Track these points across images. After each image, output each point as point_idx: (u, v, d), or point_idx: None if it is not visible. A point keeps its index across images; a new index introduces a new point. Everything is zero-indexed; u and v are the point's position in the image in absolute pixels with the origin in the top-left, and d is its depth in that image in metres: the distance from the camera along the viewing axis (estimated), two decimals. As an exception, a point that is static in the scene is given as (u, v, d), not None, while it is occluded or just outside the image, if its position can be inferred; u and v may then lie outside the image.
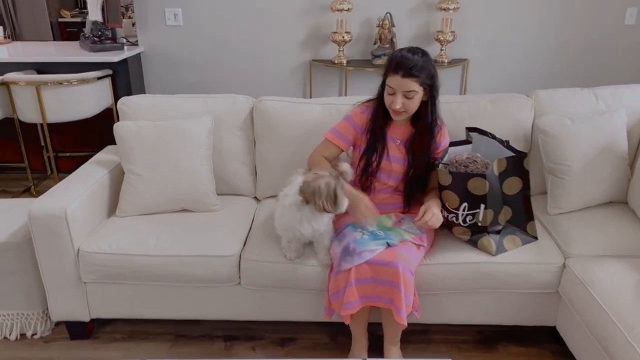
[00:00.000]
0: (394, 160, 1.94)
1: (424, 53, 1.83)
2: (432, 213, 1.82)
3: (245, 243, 2.00)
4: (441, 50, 3.50)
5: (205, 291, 1.99)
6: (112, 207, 2.18)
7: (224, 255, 1.91)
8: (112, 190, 2.19)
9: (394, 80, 1.80)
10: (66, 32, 5.98)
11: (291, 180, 1.84)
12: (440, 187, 1.88)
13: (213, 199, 2.18)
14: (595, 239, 1.94)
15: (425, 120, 1.91)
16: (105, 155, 2.35)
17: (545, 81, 3.67)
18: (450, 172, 1.82)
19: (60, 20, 6.02)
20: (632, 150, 2.22)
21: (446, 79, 3.70)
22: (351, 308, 1.73)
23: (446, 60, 3.49)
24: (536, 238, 1.97)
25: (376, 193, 1.99)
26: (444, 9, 3.37)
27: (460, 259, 1.89)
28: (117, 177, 2.22)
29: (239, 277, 1.95)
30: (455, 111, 2.23)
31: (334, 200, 1.68)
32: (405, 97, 1.81)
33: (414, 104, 1.84)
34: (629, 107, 2.21)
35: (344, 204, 1.71)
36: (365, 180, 1.97)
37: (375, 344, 1.98)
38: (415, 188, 1.97)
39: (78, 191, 1.98)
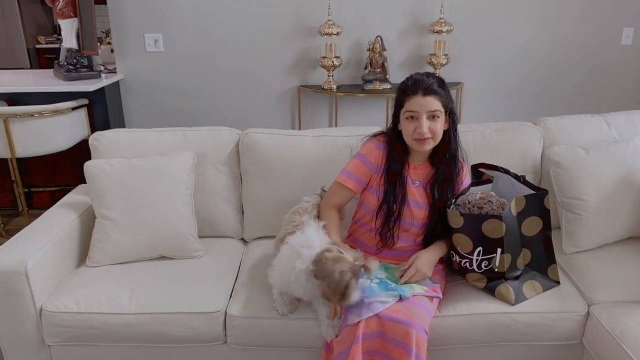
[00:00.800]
0: (414, 205, 1.74)
1: (437, 76, 1.69)
2: (416, 269, 1.64)
3: (231, 296, 1.78)
4: (435, 73, 3.35)
5: (187, 352, 1.76)
6: (83, 256, 1.96)
7: (208, 313, 1.69)
8: (82, 237, 1.97)
9: (415, 102, 1.62)
10: (44, 58, 5.77)
11: (299, 213, 1.73)
12: (451, 231, 1.69)
13: (195, 244, 1.97)
14: (620, 282, 1.76)
15: (449, 152, 1.72)
16: (75, 196, 2.13)
17: (542, 105, 3.55)
18: (461, 214, 1.64)
19: (37, 46, 5.82)
20: (650, 181, 2.06)
21: (441, 103, 3.55)
22: None
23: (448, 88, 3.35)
24: (559, 283, 1.78)
25: (397, 243, 1.78)
26: (438, 32, 3.24)
27: (473, 310, 1.69)
28: (89, 222, 2.00)
29: (225, 335, 1.73)
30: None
31: (342, 294, 1.47)
32: (430, 120, 1.63)
33: (440, 128, 1.66)
34: (643, 134, 2.07)
35: (353, 299, 1.50)
36: (387, 232, 1.75)
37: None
38: (436, 235, 1.77)
39: (41, 241, 1.75)
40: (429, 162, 1.76)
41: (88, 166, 1.93)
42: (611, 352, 1.58)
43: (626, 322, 1.58)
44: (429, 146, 1.67)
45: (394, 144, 1.73)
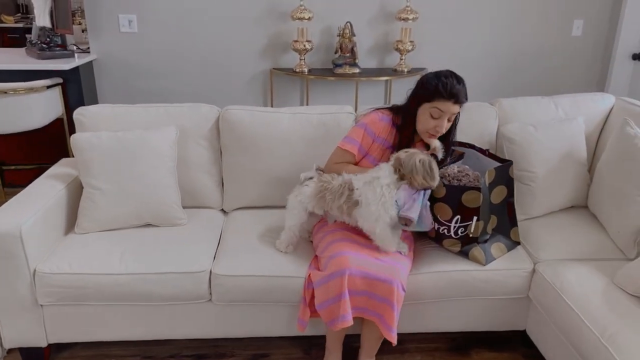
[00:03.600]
0: None
1: (463, 82, 1.86)
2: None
3: (215, 257, 1.93)
4: (400, 59, 3.54)
5: (173, 309, 1.90)
6: (70, 225, 2.06)
7: (194, 272, 1.83)
8: (69, 206, 2.06)
9: (446, 106, 1.81)
10: (8, 38, 5.66)
11: (302, 180, 1.89)
12: (432, 200, 1.88)
13: (179, 212, 2.09)
14: (562, 243, 1.99)
15: (450, 142, 1.95)
16: (60, 168, 2.21)
17: (501, 90, 3.78)
18: (444, 185, 1.82)
19: (0, 25, 5.70)
20: (590, 155, 2.30)
21: (405, 88, 3.69)
22: (347, 321, 1.68)
23: (405, 70, 3.54)
24: (519, 243, 2.01)
25: None
26: (403, 19, 3.41)
27: (433, 268, 1.89)
28: (75, 192, 2.09)
29: (210, 293, 1.87)
30: (423, 120, 2.24)
31: (431, 174, 1.70)
32: (447, 121, 1.85)
33: (449, 125, 1.89)
34: (586, 114, 2.30)
35: (438, 180, 1.74)
36: None
37: (349, 355, 1.95)
38: None
39: (33, 207, 1.85)
40: (421, 141, 1.95)
41: (75, 138, 2.01)
42: (552, 301, 1.80)
43: (565, 275, 1.81)
44: (435, 139, 1.87)
45: (407, 123, 1.91)
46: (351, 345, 1.96)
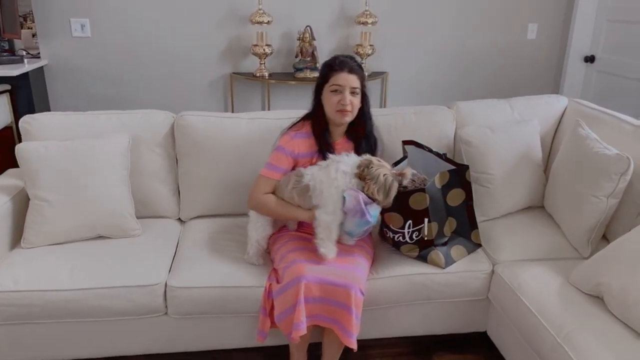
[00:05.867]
0: None
1: (356, 60, 1.91)
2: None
3: (170, 269, 1.87)
4: (361, 63, 3.53)
5: (129, 324, 1.83)
6: (16, 239, 1.96)
7: (148, 285, 1.77)
8: (15, 219, 1.97)
9: (341, 77, 1.82)
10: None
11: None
12: (382, 210, 1.87)
13: (132, 222, 2.02)
14: (520, 244, 2.02)
15: (364, 128, 1.94)
16: (6, 179, 2.11)
17: (459, 92, 3.84)
18: None
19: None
20: (545, 156, 2.34)
21: (367, 91, 3.75)
22: (302, 329, 1.65)
23: (366, 74, 3.54)
24: (480, 245, 2.02)
25: None
26: (363, 23, 3.42)
27: (394, 272, 1.88)
28: (21, 205, 2.00)
29: (166, 306, 1.81)
30: (380, 124, 2.22)
31: (386, 193, 1.68)
32: (351, 95, 1.84)
33: (358, 103, 1.87)
34: (541, 116, 2.34)
35: (390, 202, 1.72)
36: None
37: (313, 365, 1.92)
38: None
39: (-26, 223, 1.75)
40: (345, 136, 1.95)
41: (20, 148, 1.92)
42: (510, 302, 1.82)
43: (522, 276, 1.83)
44: (348, 118, 1.87)
45: (318, 120, 1.90)
46: (316, 354, 1.93)
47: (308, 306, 1.67)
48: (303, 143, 1.89)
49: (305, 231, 1.90)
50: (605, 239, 2.01)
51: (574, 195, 2.00)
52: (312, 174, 1.76)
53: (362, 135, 1.94)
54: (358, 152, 1.89)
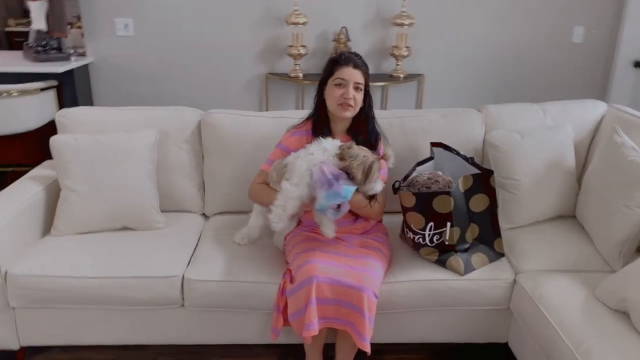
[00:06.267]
0: None
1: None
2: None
3: (189, 262, 1.90)
4: (396, 65, 3.51)
5: (147, 314, 1.88)
6: (48, 226, 2.05)
7: (166, 276, 1.81)
8: (47, 208, 2.06)
9: (346, 72, 1.83)
10: (15, 41, 5.74)
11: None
12: (404, 209, 1.85)
13: (156, 216, 2.07)
14: (546, 253, 1.94)
15: (366, 126, 1.92)
16: (42, 170, 2.22)
17: (498, 96, 3.71)
18: (413, 194, 1.79)
19: (7, 29, 5.78)
20: (580, 164, 2.24)
21: (401, 94, 3.71)
22: (313, 329, 1.65)
23: (401, 76, 3.50)
24: (503, 255, 1.95)
25: None
26: (399, 24, 3.38)
27: (411, 277, 1.84)
28: (54, 194, 2.09)
29: (182, 298, 1.85)
30: (407, 126, 2.21)
31: (366, 175, 1.66)
32: (354, 90, 1.83)
33: (360, 99, 1.87)
34: (576, 122, 2.25)
35: (373, 186, 1.70)
36: None
37: (327, 365, 1.91)
38: None
39: (6, 210, 1.85)
40: (347, 133, 1.94)
41: (54, 140, 2.02)
42: (531, 313, 1.75)
43: (545, 286, 1.76)
44: (350, 113, 1.86)
45: (318, 118, 1.91)
46: (330, 354, 1.92)
47: (321, 307, 1.66)
48: (299, 140, 1.91)
49: (319, 232, 1.90)
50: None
51: (605, 205, 1.90)
52: (295, 154, 1.78)
53: (362, 133, 1.92)
54: (359, 141, 1.87)
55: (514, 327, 1.94)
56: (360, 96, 1.86)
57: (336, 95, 1.84)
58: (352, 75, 1.83)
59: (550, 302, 1.69)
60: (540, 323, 1.68)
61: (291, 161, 1.77)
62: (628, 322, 1.55)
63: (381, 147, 1.94)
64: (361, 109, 1.89)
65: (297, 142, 1.91)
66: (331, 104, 1.87)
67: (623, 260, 1.85)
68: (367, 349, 1.67)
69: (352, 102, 1.83)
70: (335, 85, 1.84)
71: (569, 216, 2.17)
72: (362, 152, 1.70)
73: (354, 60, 1.85)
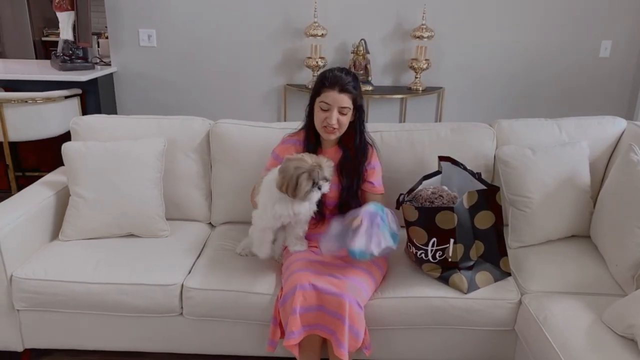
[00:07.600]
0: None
1: (354, 74, 1.87)
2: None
3: (190, 271, 1.91)
4: (415, 78, 3.48)
5: (146, 322, 1.89)
6: (57, 231, 2.09)
7: (165, 285, 1.82)
8: (57, 213, 2.11)
9: (330, 96, 1.79)
10: (49, 50, 5.96)
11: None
12: (406, 224, 1.82)
13: (161, 224, 2.09)
14: (554, 274, 1.87)
15: (354, 141, 1.90)
16: (55, 176, 2.27)
17: (519, 110, 3.64)
18: (416, 208, 1.76)
19: (43, 39, 6.01)
20: (596, 182, 2.15)
21: (421, 107, 3.67)
22: (293, 338, 1.64)
23: (420, 89, 3.47)
24: (509, 274, 1.89)
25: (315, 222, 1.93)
26: (419, 37, 3.36)
27: (412, 293, 1.80)
28: (64, 200, 2.13)
29: (181, 307, 1.85)
30: (415, 139, 2.18)
31: (294, 187, 1.64)
32: (339, 114, 1.81)
33: (347, 121, 1.84)
34: (594, 138, 2.17)
35: (307, 196, 1.67)
36: None
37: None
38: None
39: (15, 213, 1.89)
40: (337, 146, 1.93)
41: (65, 147, 2.06)
42: (534, 336, 1.68)
43: (551, 308, 1.68)
44: (334, 136, 1.85)
45: (309, 130, 1.90)
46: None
47: (305, 315, 1.66)
48: (288, 149, 1.92)
49: (314, 245, 1.89)
50: (655, 276, 1.81)
51: (619, 226, 1.82)
52: (272, 171, 1.78)
53: (351, 146, 1.90)
54: (345, 161, 1.88)
55: (519, 350, 1.86)
56: (346, 119, 1.83)
57: (320, 117, 1.83)
58: (337, 100, 1.79)
59: (554, 324, 1.62)
60: (542, 345, 1.61)
61: (265, 179, 1.78)
62: (635, 350, 1.47)
63: (373, 158, 1.93)
64: (351, 123, 1.87)
65: (285, 150, 1.91)
66: (317, 123, 1.86)
67: (637, 284, 1.76)
68: (343, 357, 1.64)
69: (335, 127, 1.81)
70: (320, 107, 1.82)
71: (583, 236, 2.09)
72: (293, 164, 1.65)
73: (340, 83, 1.79)
